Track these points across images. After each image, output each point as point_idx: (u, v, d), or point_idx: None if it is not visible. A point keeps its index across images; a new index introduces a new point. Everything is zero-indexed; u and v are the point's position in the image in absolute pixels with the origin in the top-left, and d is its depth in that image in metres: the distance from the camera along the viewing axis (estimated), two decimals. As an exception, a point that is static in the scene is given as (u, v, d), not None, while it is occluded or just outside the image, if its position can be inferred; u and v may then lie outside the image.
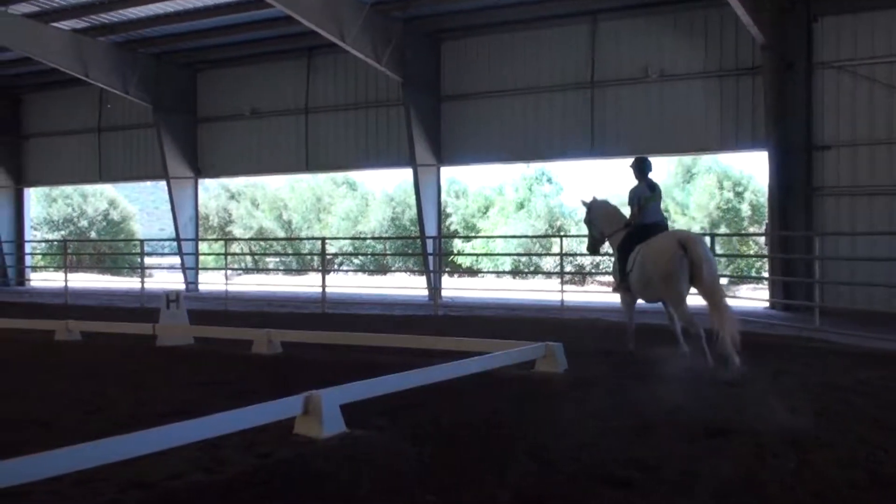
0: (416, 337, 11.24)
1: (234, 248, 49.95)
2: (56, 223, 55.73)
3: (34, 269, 39.02)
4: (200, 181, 29.18)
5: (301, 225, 50.15)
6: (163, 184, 28.66)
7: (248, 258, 49.24)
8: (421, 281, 32.82)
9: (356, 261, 45.69)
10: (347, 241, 45.30)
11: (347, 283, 28.96)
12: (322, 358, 11.03)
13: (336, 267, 45.09)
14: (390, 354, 10.91)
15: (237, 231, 50.72)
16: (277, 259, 50.57)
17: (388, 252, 45.76)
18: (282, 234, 49.24)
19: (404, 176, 49.52)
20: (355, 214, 47.96)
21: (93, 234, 55.40)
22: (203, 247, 49.41)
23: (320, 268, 20.87)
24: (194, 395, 8.44)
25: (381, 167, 25.34)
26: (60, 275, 30.85)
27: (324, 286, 19.89)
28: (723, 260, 33.45)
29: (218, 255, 43.32)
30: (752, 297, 24.40)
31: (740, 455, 5.98)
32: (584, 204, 12.04)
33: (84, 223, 55.96)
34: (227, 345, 12.32)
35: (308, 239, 39.28)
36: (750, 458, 5.92)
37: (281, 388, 8.23)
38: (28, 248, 35.42)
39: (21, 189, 32.72)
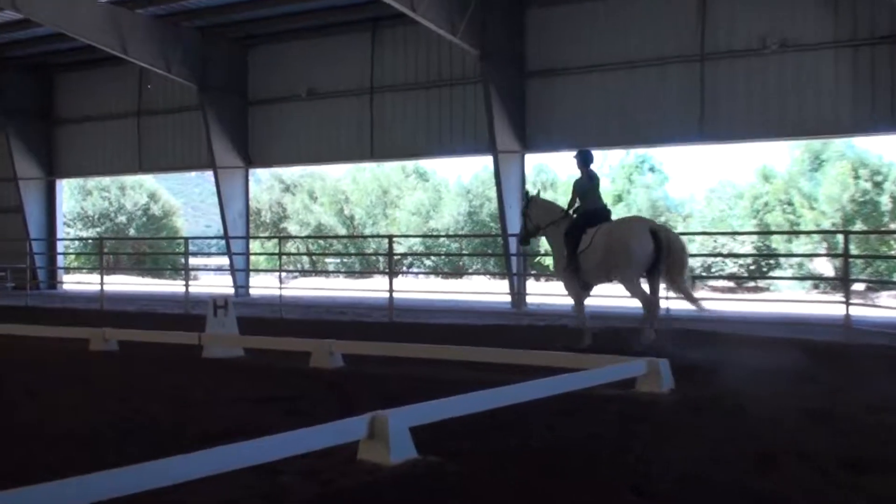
0: (498, 350, 11.22)
1: (290, 247, 50.56)
2: (91, 219, 57.10)
3: (67, 270, 40.01)
4: (251, 171, 29.62)
5: (365, 221, 50.55)
6: (209, 175, 29.18)
7: (305, 259, 49.80)
8: (502, 285, 32.75)
9: (428, 262, 45.83)
10: (418, 240, 45.51)
11: (418, 288, 29.06)
12: (389, 373, 11.08)
13: (405, 269, 45.29)
14: (467, 370, 10.91)
15: (292, 228, 51.34)
16: (338, 260, 51.04)
17: (464, 252, 45.81)
18: (343, 232, 49.70)
19: (483, 164, 49.53)
20: (427, 209, 48.18)
21: (131, 232, 56.61)
22: (254, 246, 50.18)
23: (387, 270, 20.99)
24: (245, 413, 8.55)
25: (457, 154, 25.40)
26: (95, 277, 31.57)
27: (391, 291, 20.00)
28: (858, 262, 32.81)
29: (271, 255, 43.87)
30: (894, 307, 23.80)
31: (886, 495, 5.82)
32: (527, 196, 14.58)
33: (122, 219, 57.24)
34: (282, 357, 12.45)
35: (373, 237, 39.57)
36: None
37: (343, 407, 8.27)
38: (60, 246, 36.33)
39: (53, 181, 33.60)
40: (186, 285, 23.61)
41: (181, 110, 29.88)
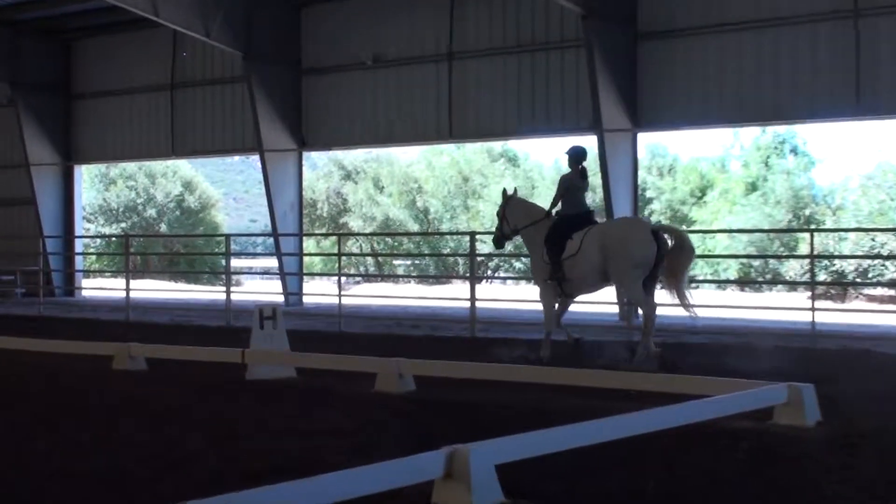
0: (603, 372, 11.16)
1: (351, 246, 50.90)
2: (115, 213, 58.16)
3: (87, 273, 40.74)
4: (305, 155, 29.80)
5: (442, 215, 50.70)
6: (255, 160, 29.51)
7: (370, 260, 50.05)
8: (608, 293, 32.41)
9: (518, 264, 45.77)
10: (505, 238, 45.42)
11: (506, 296, 29.00)
12: (471, 399, 11.10)
13: (490, 273, 45.27)
14: (567, 395, 10.87)
15: (354, 223, 51.71)
16: (409, 262, 51.20)
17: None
18: (415, 228, 49.90)
19: (585, 145, 49.07)
20: (518, 200, 48.15)
21: (162, 228, 57.42)
22: (309, 245, 50.56)
23: (468, 274, 20.99)
24: (297, 446, 8.61)
25: (553, 134, 25.33)
26: (120, 281, 32.04)
27: (473, 299, 19.99)
28: None
29: (329, 255, 44.21)
30: None
31: None
32: (505, 195, 16.04)
33: (151, 213, 58.19)
34: (342, 379, 12.52)
35: (451, 234, 39.63)
36: None
37: (414, 439, 8.28)
38: (79, 245, 36.95)
39: (70, 167, 34.25)
40: (227, 292, 23.81)
41: (222, 83, 30.22)
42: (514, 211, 15.70)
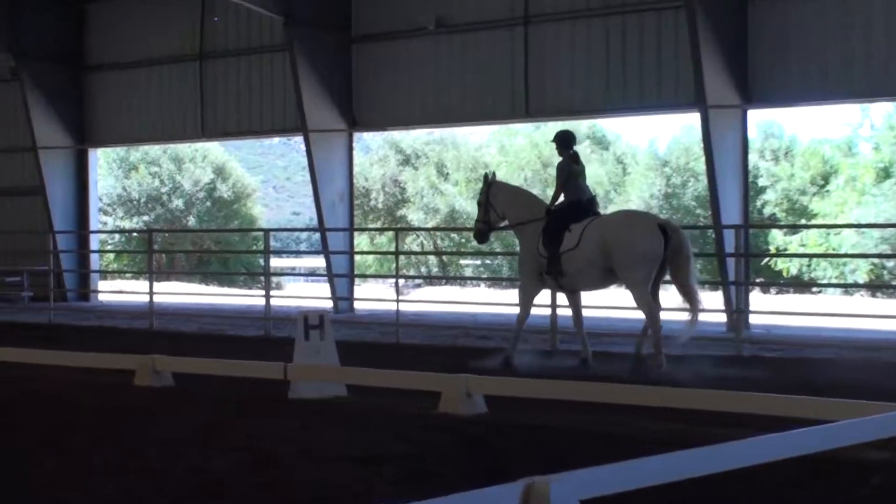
0: (707, 392, 11.11)
1: (410, 243, 50.96)
2: (136, 204, 58.69)
3: (104, 274, 41.14)
4: (357, 136, 29.87)
5: (517, 206, 50.66)
6: (298, 141, 29.64)
7: (432, 260, 50.09)
8: (714, 298, 32.30)
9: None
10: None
11: (592, 302, 28.90)
12: (551, 422, 11.11)
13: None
14: (665, 420, 10.87)
15: (414, 216, 51.78)
16: (478, 262, 51.17)
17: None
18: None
19: (686, 123, 48.91)
20: (606, 189, 48.04)
21: (191, 222, 57.81)
22: (361, 241, 50.67)
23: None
24: (345, 475, 8.65)
25: (648, 111, 25.31)
26: (142, 283, 32.37)
27: (553, 306, 19.96)
28: None
29: (384, 254, 44.34)
30: None
31: None
32: (487, 179, 17.22)
33: (178, 203, 58.63)
34: (400, 398, 12.57)
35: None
36: None
37: (484, 469, 8.30)
38: (95, 242, 37.34)
39: (84, 150, 34.62)
40: (266, 296, 23.91)
41: (259, 52, 30.39)
42: (504, 199, 16.94)
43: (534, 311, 19.73)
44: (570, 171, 16.32)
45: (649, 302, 15.49)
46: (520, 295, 17.01)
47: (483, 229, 17.25)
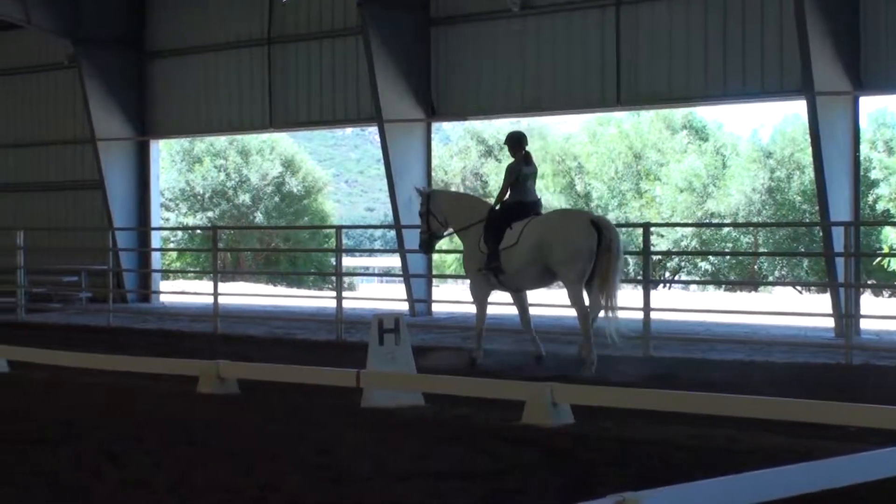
0: (812, 403, 11.05)
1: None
2: (200, 199, 59.05)
3: (165, 274, 41.46)
4: (435, 126, 29.85)
5: (607, 201, 50.54)
6: (372, 132, 29.72)
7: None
8: (822, 301, 32.16)
9: (703, 264, 45.40)
10: (689, 231, 45.16)
11: (688, 305, 28.80)
12: (644, 434, 11.12)
13: (667, 276, 44.95)
14: (766, 432, 10.83)
15: (497, 212, 51.69)
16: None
17: (759, 251, 45.13)
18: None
19: (792, 111, 48.49)
20: (704, 182, 47.79)
21: (258, 219, 58.00)
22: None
23: (640, 276, 20.89)
24: (422, 491, 8.68)
25: (750, 98, 25.16)
26: (206, 284, 32.61)
27: (647, 309, 19.92)
28: None
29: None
30: None
31: None
32: (420, 193, 19.04)
33: (244, 199, 58.93)
34: (481, 408, 12.60)
35: (620, 226, 39.40)
36: None
37: (571, 485, 8.31)
38: (156, 239, 37.65)
39: (145, 142, 34.90)
40: (338, 298, 23.99)
41: (331, 36, 30.47)
42: (446, 206, 18.52)
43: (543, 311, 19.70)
44: (520, 172, 17.73)
45: (582, 301, 16.96)
46: (471, 293, 18.55)
47: (426, 239, 18.96)
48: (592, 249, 16.57)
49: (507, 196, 17.87)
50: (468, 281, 18.76)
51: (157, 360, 16.49)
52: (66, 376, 16.12)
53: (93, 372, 16.30)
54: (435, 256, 35.52)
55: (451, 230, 18.79)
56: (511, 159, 18.09)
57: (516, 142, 17.97)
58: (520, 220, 17.32)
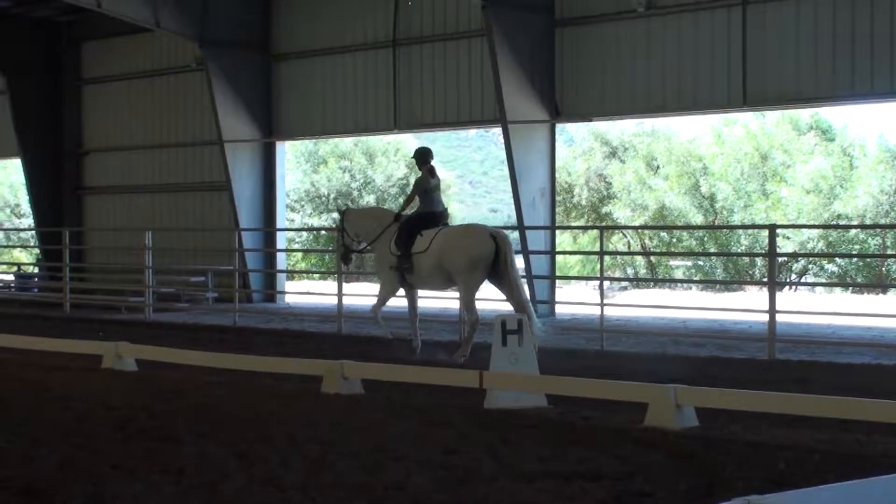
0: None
1: (616, 242, 50.76)
2: (325, 200, 59.37)
3: (291, 275, 41.79)
4: (560, 128, 29.77)
5: (733, 202, 50.02)
6: (496, 133, 29.72)
7: (640, 261, 49.83)
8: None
9: (830, 266, 44.87)
10: (816, 232, 44.63)
11: (815, 307, 28.45)
12: (769, 438, 11.01)
13: (794, 278, 44.52)
14: (884, 436, 10.67)
15: (620, 214, 51.50)
16: (689, 263, 50.72)
17: (889, 252, 44.49)
18: (698, 220, 49.45)
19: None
20: (831, 184, 47.17)
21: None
22: (564, 240, 50.57)
23: (765, 279, 20.71)
24: (551, 494, 8.66)
25: (879, 98, 24.88)
26: (331, 284, 32.73)
27: (772, 311, 19.71)
28: None
29: (588, 254, 44.23)
30: None
31: None
32: (340, 213, 21.64)
33: (369, 199, 59.17)
34: (604, 410, 12.56)
35: (745, 227, 39.00)
36: None
37: (695, 488, 8.24)
38: (282, 240, 37.89)
39: (271, 144, 35.21)
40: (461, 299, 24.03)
41: (456, 38, 30.51)
42: (358, 222, 20.70)
43: (750, 317, 19.47)
44: (426, 185, 19.88)
45: (474, 307, 18.98)
46: (380, 286, 20.81)
47: (343, 252, 21.39)
48: (489, 259, 18.58)
49: (417, 207, 20.17)
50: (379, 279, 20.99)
51: (282, 359, 16.65)
52: (192, 375, 16.32)
53: (219, 371, 16.49)
54: (558, 258, 35.48)
55: (364, 243, 20.73)
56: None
57: (423, 157, 20.23)
58: (429, 228, 19.33)
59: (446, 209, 20.57)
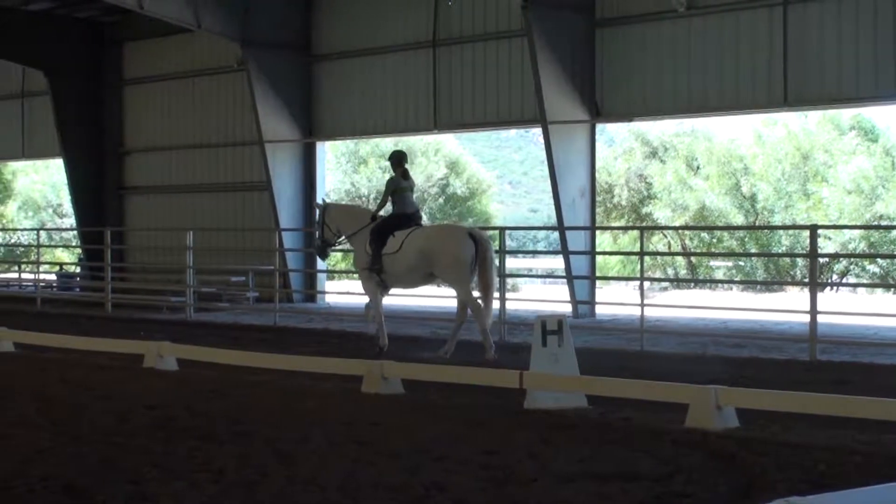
0: None
1: (656, 242, 50.66)
2: (365, 200, 59.45)
3: (331, 275, 41.84)
4: (600, 128, 29.74)
5: (774, 203, 49.85)
6: (536, 133, 29.71)
7: (680, 261, 49.75)
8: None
9: (873, 268, 44.69)
10: (857, 233, 44.43)
11: (856, 308, 28.33)
12: (810, 439, 10.98)
13: (835, 278, 44.35)
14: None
15: (661, 214, 51.41)
16: (730, 263, 50.60)
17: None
18: (738, 220, 49.30)
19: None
20: (872, 184, 46.96)
21: (423, 220, 58.20)
22: (604, 240, 50.52)
23: (806, 279, 20.63)
24: (591, 495, 8.66)
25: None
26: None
27: (813, 312, 19.64)
28: None
29: (628, 254, 44.13)
30: None
31: None
32: (319, 206, 22.06)
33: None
34: (644, 410, 12.55)
35: (786, 228, 38.86)
36: None
37: (736, 489, 8.23)
38: (322, 241, 37.96)
39: (311, 144, 35.30)
40: (502, 299, 23.96)
41: (496, 38, 30.47)
42: (338, 217, 21.33)
43: (790, 317, 19.44)
44: (398, 186, 20.35)
45: (472, 298, 19.32)
46: (363, 288, 21.14)
47: (319, 245, 21.96)
48: (470, 258, 19.15)
49: (389, 208, 20.68)
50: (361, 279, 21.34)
51: (322, 359, 16.68)
52: (233, 375, 16.38)
53: (259, 371, 16.54)
54: (598, 258, 35.43)
55: (342, 238, 21.36)
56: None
57: (397, 160, 20.79)
58: (401, 229, 19.93)
59: (418, 210, 21.20)
